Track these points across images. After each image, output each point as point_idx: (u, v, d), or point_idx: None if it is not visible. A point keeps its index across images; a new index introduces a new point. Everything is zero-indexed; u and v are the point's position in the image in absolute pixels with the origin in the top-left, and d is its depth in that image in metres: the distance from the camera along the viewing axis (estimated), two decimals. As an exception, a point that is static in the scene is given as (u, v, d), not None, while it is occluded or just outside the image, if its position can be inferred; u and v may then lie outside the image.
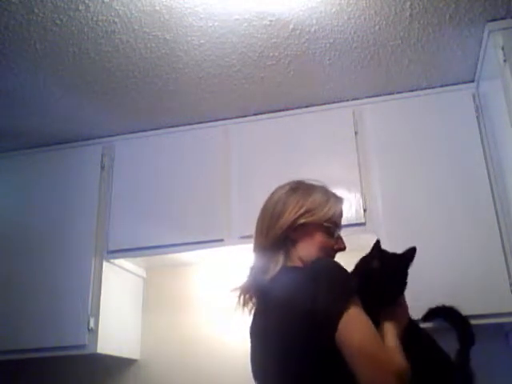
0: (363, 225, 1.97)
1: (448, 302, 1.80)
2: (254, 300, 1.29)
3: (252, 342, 1.28)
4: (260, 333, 1.23)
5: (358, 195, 2.01)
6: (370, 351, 1.00)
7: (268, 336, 1.17)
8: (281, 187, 1.36)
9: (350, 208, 1.98)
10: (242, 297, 1.29)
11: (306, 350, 1.07)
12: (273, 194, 1.36)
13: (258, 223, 1.34)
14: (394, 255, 1.27)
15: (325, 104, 2.21)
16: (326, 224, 1.28)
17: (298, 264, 1.26)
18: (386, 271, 1.21)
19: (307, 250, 1.26)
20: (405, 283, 1.25)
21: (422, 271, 1.85)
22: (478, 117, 2.02)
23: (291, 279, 1.18)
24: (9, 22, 1.69)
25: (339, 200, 1.36)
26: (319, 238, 1.28)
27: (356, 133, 2.12)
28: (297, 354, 1.08)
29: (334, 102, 2.20)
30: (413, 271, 1.86)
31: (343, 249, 1.31)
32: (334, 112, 2.18)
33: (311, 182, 1.36)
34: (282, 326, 1.12)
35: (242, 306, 1.29)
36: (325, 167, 2.06)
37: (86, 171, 2.34)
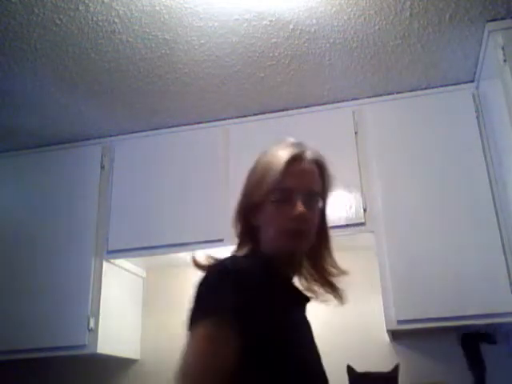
0: (363, 225, 1.97)
1: (448, 302, 1.81)
2: None
3: None
4: None
5: (358, 195, 2.01)
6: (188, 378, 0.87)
7: None
8: None
9: (350, 208, 1.98)
10: None
11: None
12: None
13: None
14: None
15: (325, 104, 2.21)
16: (273, 196, 1.03)
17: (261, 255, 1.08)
18: None
19: (265, 234, 1.07)
20: None
21: (422, 271, 1.87)
22: (477, 117, 2.02)
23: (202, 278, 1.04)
24: (9, 22, 1.70)
25: (287, 159, 1.04)
26: (269, 215, 1.04)
27: (356, 133, 2.12)
28: None
29: (334, 102, 2.20)
30: (413, 271, 1.88)
31: (300, 215, 1.00)
32: (334, 112, 2.19)
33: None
34: None
35: None
36: (325, 167, 2.06)
37: (86, 171, 2.34)
